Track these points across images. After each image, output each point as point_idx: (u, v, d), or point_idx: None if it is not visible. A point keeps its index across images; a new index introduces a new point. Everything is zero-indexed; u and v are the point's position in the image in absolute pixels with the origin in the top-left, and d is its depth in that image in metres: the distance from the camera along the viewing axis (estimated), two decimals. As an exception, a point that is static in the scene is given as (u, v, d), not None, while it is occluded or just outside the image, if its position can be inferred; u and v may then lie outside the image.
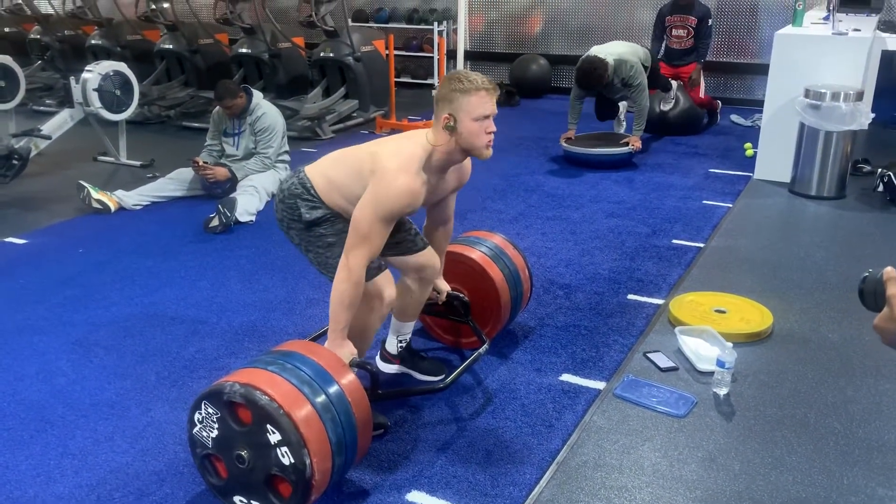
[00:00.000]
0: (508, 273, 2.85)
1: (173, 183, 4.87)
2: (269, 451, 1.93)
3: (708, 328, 2.93)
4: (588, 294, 3.44)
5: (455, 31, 8.61)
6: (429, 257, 2.55)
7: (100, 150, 5.83)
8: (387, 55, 6.89)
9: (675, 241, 4.07)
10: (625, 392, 2.62)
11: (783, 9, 7.05)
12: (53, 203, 4.85)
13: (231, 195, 4.49)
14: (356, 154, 2.33)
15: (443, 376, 2.71)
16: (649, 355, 2.85)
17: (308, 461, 1.88)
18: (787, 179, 4.94)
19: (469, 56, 8.75)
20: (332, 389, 2.01)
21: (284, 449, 1.90)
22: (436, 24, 8.48)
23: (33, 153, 5.12)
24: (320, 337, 2.64)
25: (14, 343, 3.05)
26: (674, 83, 6.25)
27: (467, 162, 2.44)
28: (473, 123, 2.17)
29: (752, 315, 3.13)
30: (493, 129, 2.21)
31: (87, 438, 2.43)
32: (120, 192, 4.70)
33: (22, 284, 3.61)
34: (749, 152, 5.68)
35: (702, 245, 4.00)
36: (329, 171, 2.36)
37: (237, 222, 4.36)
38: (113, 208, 4.62)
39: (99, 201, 4.60)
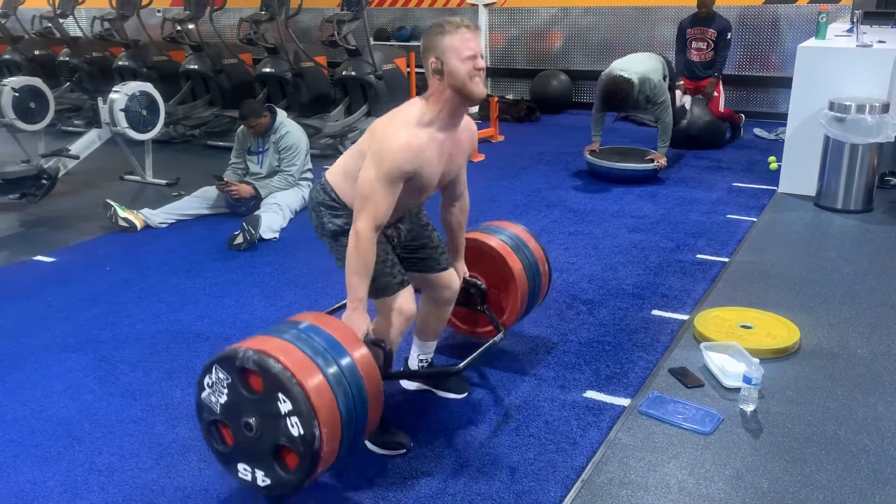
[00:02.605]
0: (527, 263, 2.80)
1: (198, 201, 4.93)
2: (279, 421, 1.88)
3: (734, 344, 2.89)
4: (612, 309, 3.42)
5: (476, 47, 8.65)
6: (451, 278, 2.56)
7: (126, 169, 5.92)
8: (408, 73, 6.94)
9: (699, 256, 4.03)
10: (650, 409, 2.59)
11: (806, 21, 7.01)
12: (81, 222, 4.93)
13: (255, 213, 4.54)
14: (360, 139, 2.33)
15: (465, 394, 2.71)
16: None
17: (317, 433, 1.84)
18: (813, 193, 4.89)
19: (490, 72, 8.78)
20: (345, 362, 1.97)
21: (294, 419, 1.86)
22: (456, 41, 8.51)
23: (62, 173, 5.21)
24: (336, 311, 2.63)
25: (42, 360, 3.09)
26: (687, 98, 6.19)
27: (472, 125, 2.41)
28: (460, 63, 2.15)
29: (779, 330, 3.09)
30: (481, 65, 2.19)
31: (114, 455, 2.45)
32: (146, 211, 4.77)
33: (50, 302, 3.66)
34: (773, 166, 5.63)
35: (727, 260, 3.96)
36: (340, 163, 2.38)
37: (261, 239, 4.40)
38: (139, 226, 4.68)
39: (125, 220, 4.66)
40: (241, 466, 2.01)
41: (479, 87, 2.20)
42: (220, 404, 1.98)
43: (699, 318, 3.21)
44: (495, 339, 2.64)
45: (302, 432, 1.86)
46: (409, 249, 2.52)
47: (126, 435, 2.56)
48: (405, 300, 2.37)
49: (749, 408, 2.58)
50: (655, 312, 3.38)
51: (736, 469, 2.29)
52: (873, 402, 2.63)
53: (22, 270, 4.14)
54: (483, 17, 8.54)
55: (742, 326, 3.14)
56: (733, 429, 2.49)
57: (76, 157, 5.29)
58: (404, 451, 2.42)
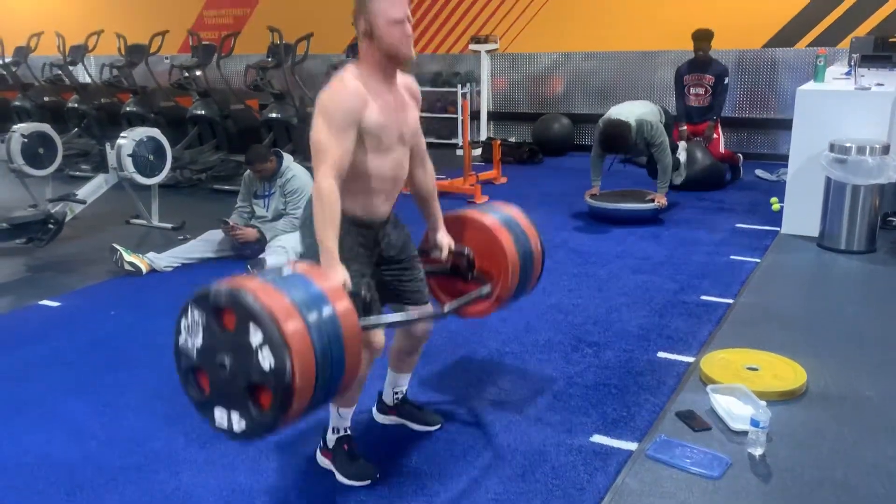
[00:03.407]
0: (518, 238, 2.72)
1: (204, 244, 4.95)
2: (251, 357, 1.82)
3: (740, 386, 2.87)
4: (617, 352, 3.41)
5: (478, 92, 8.79)
6: (429, 311, 2.58)
7: (132, 214, 5.97)
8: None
9: (703, 298, 4.03)
10: (657, 453, 2.57)
11: (804, 64, 7.12)
12: (87, 266, 4.95)
13: (260, 255, 4.56)
14: None
15: (438, 426, 2.77)
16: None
17: (288, 364, 1.77)
18: (816, 234, 4.90)
19: (492, 116, 8.91)
20: (327, 310, 1.90)
21: (266, 351, 1.79)
22: (459, 86, 8.67)
23: (68, 217, 5.26)
24: None
25: (46, 405, 3.08)
26: (682, 144, 6.23)
27: (409, 79, 2.42)
28: (389, 27, 2.19)
29: (785, 372, 3.07)
30: (410, 32, 2.23)
31: (116, 502, 2.43)
32: (151, 255, 4.79)
33: (55, 347, 3.66)
34: (775, 207, 5.66)
35: (731, 301, 3.96)
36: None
37: (265, 283, 4.40)
38: (145, 270, 4.70)
39: (131, 264, 4.69)
40: (217, 412, 1.94)
41: (409, 50, 2.24)
42: (197, 349, 1.93)
43: (705, 360, 3.19)
44: (482, 290, 2.59)
45: (273, 364, 1.79)
46: (396, 271, 2.49)
47: (129, 482, 2.54)
48: (375, 333, 2.35)
49: (757, 451, 2.55)
50: (661, 354, 3.37)
51: (745, 515, 2.26)
52: (883, 446, 2.60)
53: (28, 314, 4.15)
54: (485, 63, 8.68)
55: (748, 368, 3.12)
56: (742, 473, 2.47)
57: (83, 202, 5.34)
58: (369, 481, 2.43)
